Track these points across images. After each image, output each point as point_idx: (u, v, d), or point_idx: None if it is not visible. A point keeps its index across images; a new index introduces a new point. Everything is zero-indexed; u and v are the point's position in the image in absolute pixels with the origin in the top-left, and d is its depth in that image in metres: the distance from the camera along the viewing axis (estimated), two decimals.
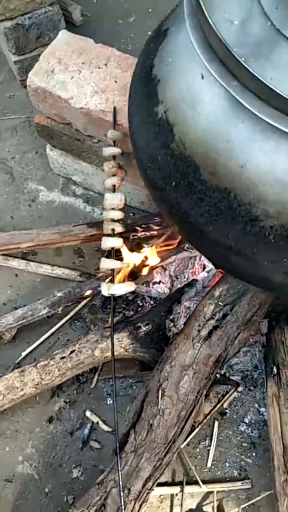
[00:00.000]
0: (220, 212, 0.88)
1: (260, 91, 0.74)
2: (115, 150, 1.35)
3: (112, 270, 1.32)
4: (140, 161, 1.01)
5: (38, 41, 1.88)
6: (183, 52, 0.88)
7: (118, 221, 1.34)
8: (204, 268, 1.62)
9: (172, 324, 1.51)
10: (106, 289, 1.28)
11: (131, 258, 1.52)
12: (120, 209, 1.34)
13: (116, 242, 1.31)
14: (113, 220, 1.34)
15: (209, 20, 0.77)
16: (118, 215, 1.34)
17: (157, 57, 0.97)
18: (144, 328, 1.43)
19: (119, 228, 1.33)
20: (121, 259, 1.56)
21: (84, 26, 2.19)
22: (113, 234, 1.32)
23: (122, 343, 1.41)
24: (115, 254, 1.33)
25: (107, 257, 1.32)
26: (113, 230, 1.32)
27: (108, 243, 1.32)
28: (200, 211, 0.90)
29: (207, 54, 0.81)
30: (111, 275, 1.32)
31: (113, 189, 1.35)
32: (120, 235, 1.34)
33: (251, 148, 0.80)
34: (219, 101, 0.81)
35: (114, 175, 1.36)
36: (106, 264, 1.31)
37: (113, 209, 1.34)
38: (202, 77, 0.83)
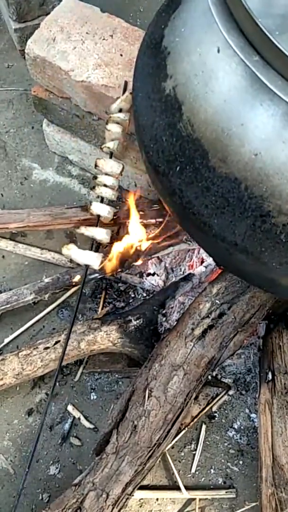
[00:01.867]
0: (228, 204, 0.79)
1: (285, 68, 0.65)
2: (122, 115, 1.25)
3: (98, 216, 1.25)
4: (142, 141, 0.91)
5: (41, 8, 1.77)
6: (199, 22, 0.78)
7: (111, 189, 1.26)
8: (202, 262, 1.53)
9: (164, 319, 1.43)
10: (66, 250, 1.21)
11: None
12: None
13: (105, 211, 1.24)
14: (105, 186, 1.25)
15: None
16: (113, 182, 1.25)
17: (169, 27, 0.88)
18: (135, 322, 1.34)
19: (112, 196, 1.26)
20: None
21: None
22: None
23: (110, 337, 1.33)
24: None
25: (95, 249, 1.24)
26: (102, 199, 1.25)
27: (98, 208, 1.24)
28: (205, 202, 0.81)
29: (227, 24, 0.71)
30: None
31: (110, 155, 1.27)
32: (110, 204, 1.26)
33: (269, 135, 0.70)
34: (236, 78, 0.72)
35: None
36: (96, 208, 1.24)
37: (107, 174, 1.25)
38: (219, 51, 0.74)
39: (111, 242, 1.52)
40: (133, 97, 0.97)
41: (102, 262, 1.22)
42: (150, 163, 0.90)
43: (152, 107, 0.87)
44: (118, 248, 1.42)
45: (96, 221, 1.27)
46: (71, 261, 1.22)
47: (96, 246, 1.24)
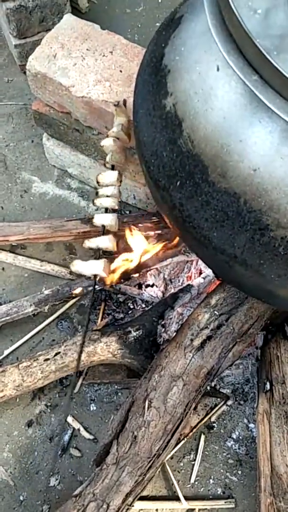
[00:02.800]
0: (227, 218, 0.81)
1: (283, 87, 0.67)
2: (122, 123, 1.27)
3: (103, 226, 1.25)
4: (143, 156, 0.93)
5: (41, 25, 1.80)
6: (199, 41, 0.81)
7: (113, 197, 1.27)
8: (200, 273, 1.55)
9: (163, 330, 1.44)
10: (72, 266, 1.22)
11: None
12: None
13: (108, 219, 1.25)
14: (107, 196, 1.27)
15: (232, 6, 0.69)
16: (113, 191, 1.26)
17: (169, 46, 0.90)
18: (134, 333, 1.35)
19: (113, 204, 1.26)
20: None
21: (90, 13, 2.11)
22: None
23: (110, 348, 1.34)
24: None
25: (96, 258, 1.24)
26: (106, 209, 1.26)
27: (101, 219, 1.25)
28: (205, 215, 0.83)
29: (226, 44, 0.74)
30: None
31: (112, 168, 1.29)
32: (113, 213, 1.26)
33: (267, 151, 0.73)
34: (235, 96, 0.74)
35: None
36: (99, 219, 1.24)
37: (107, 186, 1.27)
38: (218, 69, 0.76)
39: (112, 253, 1.55)
40: (134, 114, 0.99)
41: (107, 267, 1.23)
42: (151, 177, 0.92)
43: (153, 124, 0.89)
44: (119, 261, 1.43)
45: (102, 232, 1.28)
46: (79, 275, 1.23)
47: (101, 255, 1.25)
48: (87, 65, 1.34)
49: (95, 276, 1.22)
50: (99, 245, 1.23)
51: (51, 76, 1.33)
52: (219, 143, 0.77)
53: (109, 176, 1.26)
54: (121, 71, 1.34)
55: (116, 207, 1.28)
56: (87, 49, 1.37)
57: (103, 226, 1.26)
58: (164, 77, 0.88)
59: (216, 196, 0.80)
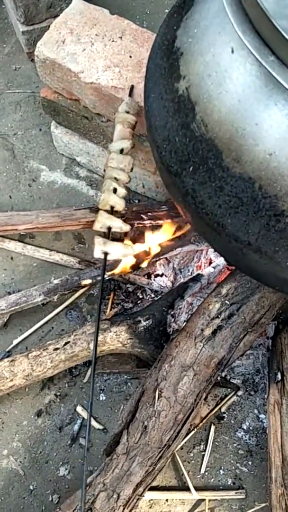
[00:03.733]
0: (242, 204, 0.79)
1: None
2: (131, 117, 1.23)
3: (109, 228, 1.16)
4: (155, 142, 0.91)
5: (48, 11, 1.77)
6: (213, 22, 0.79)
7: (122, 184, 1.21)
8: (210, 263, 1.54)
9: (172, 320, 1.43)
10: (101, 244, 1.12)
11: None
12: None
13: (118, 201, 1.17)
14: (116, 180, 1.20)
15: None
16: (125, 177, 1.20)
17: (181, 28, 0.88)
18: (144, 323, 1.34)
19: (122, 191, 1.19)
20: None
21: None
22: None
23: (120, 337, 1.33)
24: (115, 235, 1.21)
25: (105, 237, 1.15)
26: (115, 189, 1.19)
27: (111, 199, 1.17)
28: (218, 201, 0.81)
29: (242, 24, 0.71)
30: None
31: (121, 152, 1.24)
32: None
33: (284, 134, 0.71)
34: (250, 78, 0.72)
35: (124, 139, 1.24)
36: (104, 219, 1.15)
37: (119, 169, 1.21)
38: (233, 51, 0.74)
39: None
40: (145, 98, 0.97)
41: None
42: (163, 163, 0.90)
43: (165, 108, 0.87)
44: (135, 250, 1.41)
45: (110, 213, 1.20)
46: (88, 264, 1.16)
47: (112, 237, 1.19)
48: (96, 51, 1.32)
49: (105, 257, 1.15)
50: (110, 225, 1.16)
51: (60, 62, 1.31)
52: (233, 126, 0.75)
53: (124, 160, 1.21)
54: (130, 56, 1.32)
55: (127, 181, 1.22)
56: (96, 34, 1.34)
57: (112, 207, 1.20)
58: (177, 60, 0.86)
59: (230, 182, 0.78)
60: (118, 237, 1.55)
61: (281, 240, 0.78)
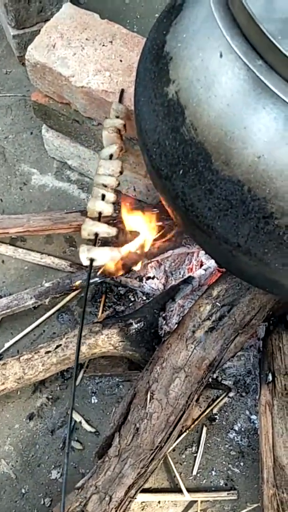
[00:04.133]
0: (231, 206, 0.80)
1: None
2: (118, 122, 1.24)
3: (96, 235, 1.15)
4: (145, 145, 0.92)
5: (39, 15, 1.78)
6: (201, 27, 0.80)
7: (111, 189, 1.21)
8: (201, 265, 1.55)
9: (164, 322, 1.43)
10: (85, 252, 1.11)
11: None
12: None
13: (105, 207, 1.18)
14: (104, 186, 1.20)
15: None
16: (112, 182, 1.20)
17: (170, 33, 0.89)
18: (136, 325, 1.35)
19: (111, 196, 1.19)
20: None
21: (88, 3, 2.09)
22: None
23: (112, 340, 1.33)
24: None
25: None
26: (103, 195, 1.19)
27: (97, 205, 1.17)
28: (208, 204, 0.82)
29: (230, 29, 0.73)
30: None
31: (110, 158, 1.24)
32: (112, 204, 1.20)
33: (272, 137, 0.72)
34: (238, 82, 0.73)
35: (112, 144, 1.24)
36: (90, 226, 1.14)
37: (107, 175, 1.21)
38: (221, 55, 0.75)
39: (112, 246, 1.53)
40: (135, 102, 0.98)
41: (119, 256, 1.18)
42: (153, 166, 0.91)
43: (155, 112, 0.88)
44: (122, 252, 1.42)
45: (98, 219, 1.20)
46: (79, 267, 1.16)
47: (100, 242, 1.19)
48: (86, 55, 1.33)
49: (91, 264, 1.14)
50: (97, 231, 1.15)
51: (51, 66, 1.32)
52: (222, 130, 0.76)
53: (112, 164, 1.22)
54: (121, 60, 1.33)
55: (113, 200, 1.22)
56: (86, 39, 1.35)
57: (99, 213, 1.20)
58: (166, 64, 0.87)
59: (219, 184, 0.79)
60: (109, 241, 1.56)
61: (270, 242, 0.79)
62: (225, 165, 0.78)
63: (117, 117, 1.25)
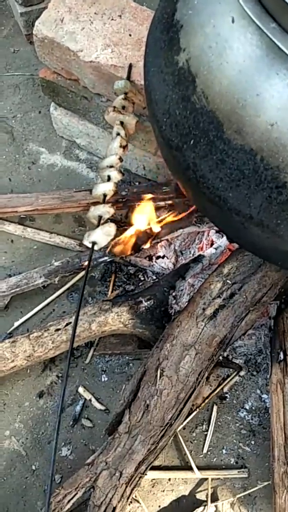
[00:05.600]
0: (243, 177, 0.78)
1: None
2: (118, 99, 1.23)
3: (100, 217, 1.17)
4: (155, 116, 0.90)
5: None
6: None
7: (115, 169, 1.22)
8: (212, 244, 1.53)
9: (174, 301, 1.42)
10: (86, 237, 1.14)
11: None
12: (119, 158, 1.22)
13: (108, 187, 1.19)
14: (110, 167, 1.21)
15: None
16: (114, 160, 1.21)
17: (181, 1, 0.86)
18: (145, 303, 1.34)
19: (114, 175, 1.20)
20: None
21: None
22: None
23: (121, 318, 1.33)
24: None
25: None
26: (108, 176, 1.20)
27: (99, 188, 1.19)
28: (220, 175, 0.81)
29: None
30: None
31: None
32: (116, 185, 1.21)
33: (285, 104, 0.70)
34: (251, 47, 0.71)
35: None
36: (92, 211, 1.17)
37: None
38: (233, 21, 0.73)
39: (122, 225, 1.53)
40: (144, 73, 0.96)
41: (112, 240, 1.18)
42: (163, 138, 0.89)
43: (165, 81, 0.86)
44: (130, 232, 1.41)
45: (103, 201, 1.22)
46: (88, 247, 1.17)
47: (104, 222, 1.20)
48: (95, 29, 1.31)
49: (92, 247, 1.15)
50: (98, 214, 1.18)
51: (59, 40, 1.30)
52: (234, 98, 0.74)
53: (115, 142, 1.21)
54: (130, 35, 1.30)
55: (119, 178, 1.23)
56: (95, 13, 1.33)
57: (104, 195, 1.21)
58: (177, 32, 0.85)
59: (231, 154, 0.78)
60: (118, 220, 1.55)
61: (283, 213, 0.78)
62: (237, 134, 0.76)
63: (126, 93, 1.23)
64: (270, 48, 0.69)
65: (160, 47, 0.89)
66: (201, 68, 0.78)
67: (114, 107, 1.21)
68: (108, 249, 1.44)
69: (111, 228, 1.13)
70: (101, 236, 1.13)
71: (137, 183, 1.68)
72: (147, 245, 1.50)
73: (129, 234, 1.45)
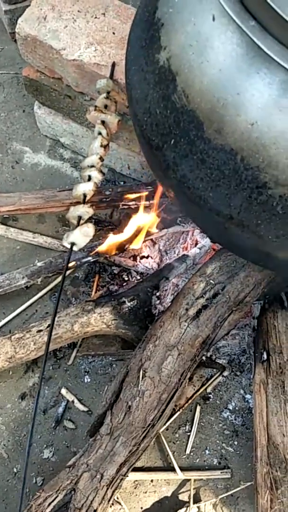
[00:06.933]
0: (223, 176, 0.77)
1: (282, 33, 0.64)
2: (100, 98, 1.22)
3: (79, 217, 1.17)
4: (136, 115, 0.89)
5: None
6: None
7: (96, 169, 1.21)
8: (196, 244, 1.53)
9: (158, 301, 1.42)
10: (65, 238, 1.15)
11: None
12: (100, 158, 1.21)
13: (88, 187, 1.18)
14: (91, 167, 1.20)
15: None
16: (96, 160, 1.20)
17: None
18: (129, 304, 1.33)
19: (97, 175, 1.19)
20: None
21: None
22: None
23: (104, 318, 1.32)
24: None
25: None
26: (89, 176, 1.19)
27: (79, 188, 1.18)
28: (200, 175, 0.80)
29: None
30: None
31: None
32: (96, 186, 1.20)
33: (266, 103, 0.69)
34: (231, 46, 0.70)
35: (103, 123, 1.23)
36: (72, 211, 1.17)
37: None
38: (214, 19, 0.72)
39: (106, 225, 1.52)
40: (126, 72, 0.95)
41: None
42: (144, 137, 0.88)
43: (146, 80, 0.85)
44: (114, 232, 1.40)
45: (83, 201, 1.21)
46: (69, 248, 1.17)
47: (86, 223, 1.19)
48: (78, 27, 1.30)
49: (71, 248, 1.16)
50: (77, 214, 1.17)
51: (41, 39, 1.29)
52: (215, 97, 0.73)
53: (96, 142, 1.21)
54: (114, 33, 1.29)
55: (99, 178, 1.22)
56: (78, 11, 1.32)
57: (84, 195, 1.20)
58: (157, 31, 0.84)
59: (211, 154, 0.77)
60: (103, 220, 1.55)
61: (263, 213, 0.77)
62: (217, 134, 0.75)
63: (109, 93, 1.22)
64: (250, 47, 0.68)
65: (141, 46, 0.88)
66: (182, 67, 0.78)
67: (96, 106, 1.20)
68: (95, 251, 1.43)
69: (89, 228, 1.13)
70: (80, 236, 1.13)
71: (121, 183, 1.68)
72: (138, 244, 1.48)
73: (115, 235, 1.44)
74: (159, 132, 0.84)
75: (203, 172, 0.80)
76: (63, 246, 1.52)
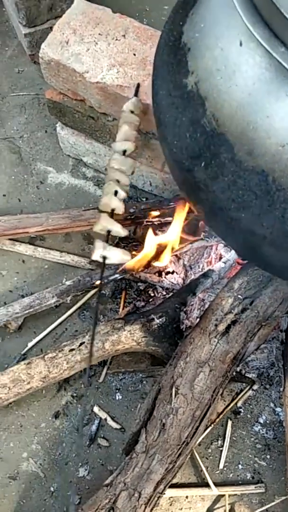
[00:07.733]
0: (255, 197, 0.78)
1: None
2: (136, 118, 1.23)
3: (108, 232, 1.15)
4: (165, 139, 0.91)
5: (50, 12, 1.77)
6: (220, 15, 0.78)
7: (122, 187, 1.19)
8: (220, 258, 1.53)
9: (185, 316, 1.43)
10: (101, 248, 1.10)
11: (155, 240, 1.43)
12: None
13: (118, 205, 1.16)
14: (118, 182, 1.19)
15: None
16: (125, 180, 1.19)
17: (187, 23, 0.87)
18: (158, 321, 1.34)
19: (122, 194, 1.18)
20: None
21: None
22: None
23: (134, 336, 1.33)
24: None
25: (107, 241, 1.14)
26: (116, 192, 1.18)
27: (112, 202, 1.15)
28: (232, 196, 0.81)
29: (251, 16, 0.71)
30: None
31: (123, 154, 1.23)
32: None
33: None
34: (260, 70, 0.71)
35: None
36: (105, 222, 1.13)
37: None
38: (241, 44, 0.73)
39: (130, 242, 1.53)
40: (153, 95, 0.97)
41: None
42: (174, 160, 0.90)
43: (174, 104, 0.87)
44: (146, 249, 1.41)
45: (111, 216, 1.18)
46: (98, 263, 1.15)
47: (112, 241, 1.17)
48: (100, 50, 1.32)
49: (104, 261, 1.12)
50: (110, 228, 1.14)
51: (65, 62, 1.31)
52: (244, 120, 0.75)
53: (125, 163, 1.21)
54: (134, 54, 1.31)
55: (128, 183, 1.20)
56: (99, 34, 1.34)
57: (112, 210, 1.17)
58: (184, 55, 0.86)
59: (243, 175, 0.78)
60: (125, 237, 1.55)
61: None
62: (248, 156, 0.76)
63: (132, 112, 1.24)
64: (279, 71, 0.70)
65: (168, 70, 0.90)
66: (210, 91, 0.79)
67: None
68: (121, 268, 1.44)
69: (127, 257, 1.12)
70: (116, 257, 1.11)
71: (144, 199, 1.69)
72: (163, 262, 1.49)
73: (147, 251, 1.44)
74: (189, 155, 0.85)
75: (234, 194, 0.81)
76: (92, 263, 1.54)
